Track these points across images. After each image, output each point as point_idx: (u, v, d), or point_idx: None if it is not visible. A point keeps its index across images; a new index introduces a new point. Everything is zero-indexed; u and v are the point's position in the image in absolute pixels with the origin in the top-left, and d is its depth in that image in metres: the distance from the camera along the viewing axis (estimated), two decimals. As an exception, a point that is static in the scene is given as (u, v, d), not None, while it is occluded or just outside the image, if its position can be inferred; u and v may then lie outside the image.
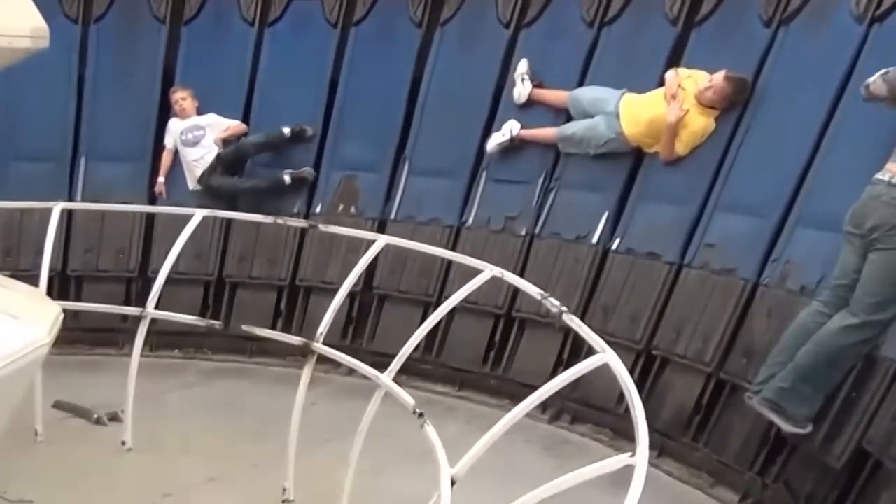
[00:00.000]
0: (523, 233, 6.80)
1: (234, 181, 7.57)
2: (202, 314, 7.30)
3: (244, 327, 5.51)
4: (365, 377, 6.48)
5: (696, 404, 5.85)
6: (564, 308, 4.27)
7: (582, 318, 6.17)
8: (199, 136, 7.63)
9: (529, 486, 3.24)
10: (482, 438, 3.68)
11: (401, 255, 7.01)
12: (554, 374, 6.31)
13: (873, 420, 4.83)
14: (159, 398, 6.42)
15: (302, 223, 6.65)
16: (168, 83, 7.87)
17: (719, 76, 6.14)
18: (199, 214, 5.76)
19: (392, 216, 7.18)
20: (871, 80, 4.97)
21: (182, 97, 7.70)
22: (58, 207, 5.87)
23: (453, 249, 6.74)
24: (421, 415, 4.25)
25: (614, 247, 6.42)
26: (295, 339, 5.43)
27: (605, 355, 3.72)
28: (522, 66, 6.98)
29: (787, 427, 5.03)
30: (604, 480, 5.51)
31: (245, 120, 7.76)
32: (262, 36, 7.85)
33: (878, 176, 4.81)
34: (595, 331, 6.00)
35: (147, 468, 5.49)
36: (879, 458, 4.78)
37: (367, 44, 7.62)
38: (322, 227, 5.86)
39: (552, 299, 4.36)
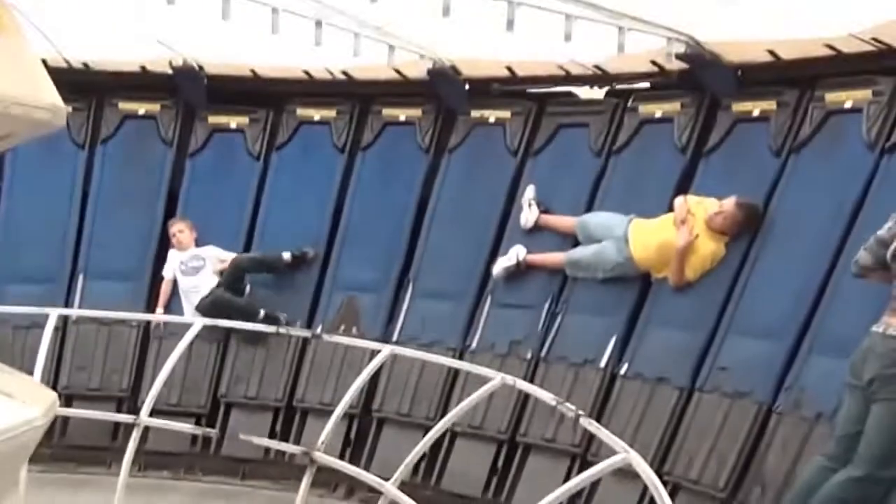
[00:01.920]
0: (529, 356, 6.65)
1: (230, 297, 7.45)
2: (195, 438, 7.13)
3: (241, 436, 5.30)
4: (363, 501, 6.37)
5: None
6: (581, 412, 4.12)
7: (588, 447, 6.15)
8: (199, 267, 7.56)
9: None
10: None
11: (402, 376, 6.90)
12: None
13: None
14: (149, 518, 6.17)
15: (305, 333, 6.50)
16: (172, 204, 7.86)
17: (730, 202, 6.13)
18: (198, 323, 5.64)
19: (394, 338, 7.01)
20: (858, 255, 4.90)
21: (179, 229, 7.64)
22: (54, 313, 5.75)
23: (456, 373, 6.60)
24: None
25: (623, 371, 6.26)
26: (295, 448, 5.25)
27: (628, 455, 3.57)
28: (530, 192, 6.97)
29: None
30: None
31: (246, 250, 7.68)
32: (268, 162, 7.87)
33: (874, 328, 4.67)
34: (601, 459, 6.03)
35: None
36: None
37: (374, 168, 7.63)
38: (326, 336, 5.73)
39: (567, 404, 4.21)
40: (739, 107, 6.44)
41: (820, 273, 5.69)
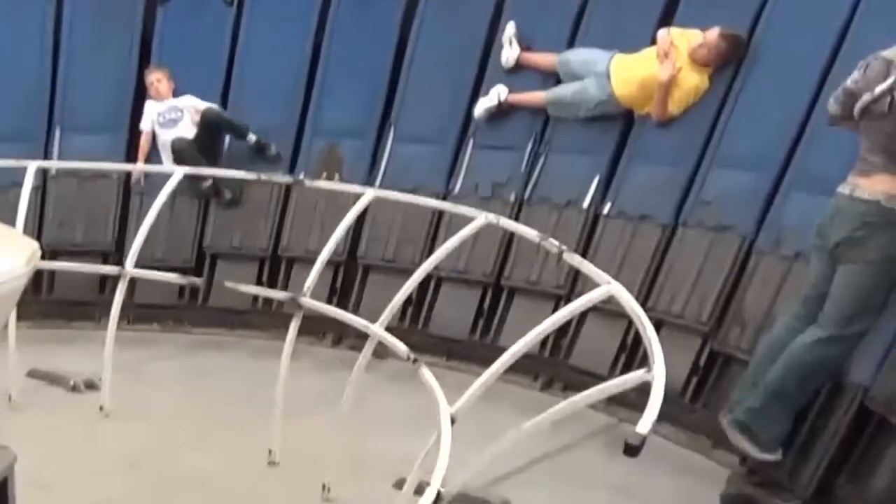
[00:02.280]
0: (512, 199, 6.63)
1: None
2: (182, 291, 7.15)
3: (227, 284, 5.29)
4: (351, 347, 6.43)
5: (693, 366, 5.69)
6: (564, 247, 4.11)
7: (573, 286, 6.19)
8: (177, 118, 7.39)
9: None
10: (480, 378, 3.52)
11: (385, 223, 6.89)
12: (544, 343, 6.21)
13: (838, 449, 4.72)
14: (138, 368, 6.23)
15: (287, 179, 6.43)
16: (146, 52, 7.66)
17: (713, 33, 6.01)
18: (179, 172, 5.58)
19: (377, 184, 6.93)
20: (828, 104, 4.79)
21: (157, 78, 7.46)
22: (32, 165, 5.68)
23: (440, 217, 6.59)
24: (415, 360, 4.08)
25: (606, 211, 6.26)
26: (281, 294, 5.26)
27: (611, 287, 3.57)
28: (510, 29, 6.82)
29: (755, 454, 4.79)
30: (599, 444, 5.52)
31: (224, 102, 7.53)
32: (242, 6, 7.62)
33: (840, 189, 4.59)
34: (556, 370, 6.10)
35: (127, 432, 5.27)
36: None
37: (351, 9, 7.42)
38: (308, 182, 5.66)
39: (551, 239, 4.20)
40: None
41: (803, 105, 5.61)
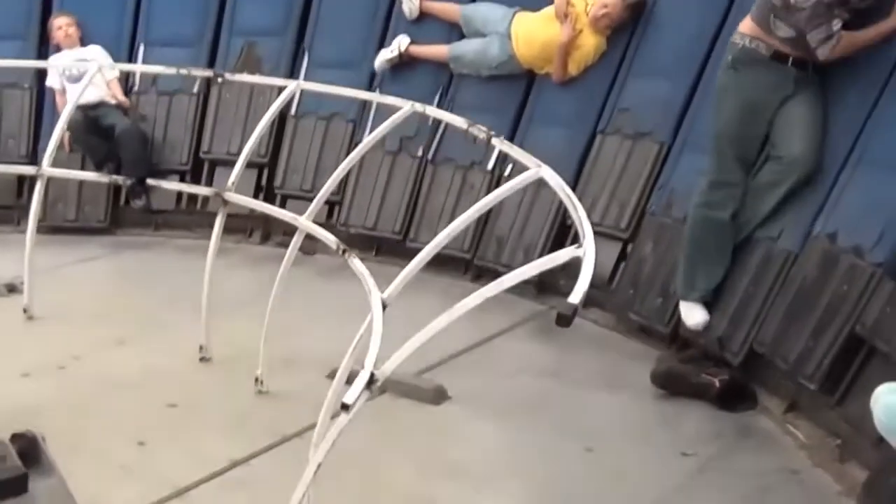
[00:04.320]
0: (419, 153, 6.48)
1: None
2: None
3: (149, 181, 5.12)
4: (279, 244, 6.36)
5: (612, 270, 5.80)
6: (492, 132, 4.06)
7: (477, 246, 6.12)
8: (83, 71, 6.41)
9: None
10: (410, 264, 3.47)
11: (308, 130, 6.77)
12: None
13: (767, 317, 4.75)
14: (61, 270, 6.07)
15: (207, 73, 6.21)
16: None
17: (616, 1, 5.85)
18: (94, 66, 5.37)
19: (293, 112, 6.81)
20: None
21: (67, 23, 6.96)
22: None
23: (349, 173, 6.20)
24: (345, 251, 4.02)
25: (507, 173, 6.08)
26: (205, 190, 5.13)
27: (540, 169, 3.53)
28: None
29: (685, 320, 5.00)
30: (529, 330, 5.55)
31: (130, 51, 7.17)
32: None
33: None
34: (489, 259, 6.03)
35: (53, 334, 5.15)
36: (771, 359, 4.72)
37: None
38: (229, 76, 5.46)
39: (479, 125, 4.14)
40: None
41: (697, 65, 5.54)
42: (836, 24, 4.55)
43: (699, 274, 4.99)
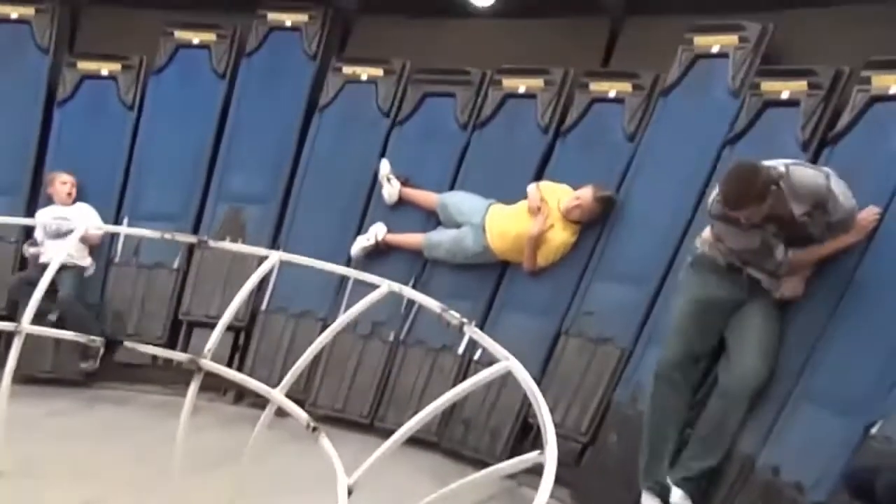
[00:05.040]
0: (391, 338, 6.57)
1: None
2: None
3: (127, 344, 5.19)
4: (252, 405, 6.38)
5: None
6: (465, 320, 4.17)
7: (443, 433, 6.15)
8: (61, 228, 6.68)
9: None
10: (379, 449, 3.54)
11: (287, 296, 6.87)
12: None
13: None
14: (34, 423, 6.00)
15: (191, 239, 6.34)
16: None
17: (587, 195, 6.07)
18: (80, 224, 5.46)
19: (264, 308, 6.94)
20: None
21: (72, 182, 7.11)
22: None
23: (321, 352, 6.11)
24: (315, 428, 4.08)
25: (477, 357, 6.18)
26: (181, 356, 5.18)
27: (509, 363, 3.63)
28: (385, 168, 6.81)
29: None
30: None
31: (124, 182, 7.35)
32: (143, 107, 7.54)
33: None
34: (456, 442, 6.07)
35: (20, 491, 5.08)
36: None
37: (256, 90, 7.41)
38: (212, 242, 5.59)
39: (452, 312, 4.25)
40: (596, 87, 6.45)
41: (665, 261, 5.73)
42: (780, 252, 4.79)
43: (652, 461, 5.03)
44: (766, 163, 4.76)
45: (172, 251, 7.09)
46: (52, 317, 6.70)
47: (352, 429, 6.32)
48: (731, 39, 5.94)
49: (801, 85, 5.48)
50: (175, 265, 7.13)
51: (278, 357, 6.72)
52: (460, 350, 6.30)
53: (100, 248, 7.17)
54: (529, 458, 2.95)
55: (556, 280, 6.20)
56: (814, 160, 5.25)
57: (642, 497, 5.06)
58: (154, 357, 6.87)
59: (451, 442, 6.17)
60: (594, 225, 6.15)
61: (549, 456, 2.84)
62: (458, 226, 6.49)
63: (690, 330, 5.04)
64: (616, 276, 5.94)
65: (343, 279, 6.64)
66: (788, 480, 4.59)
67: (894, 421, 4.16)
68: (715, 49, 6.01)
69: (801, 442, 4.64)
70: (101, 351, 6.43)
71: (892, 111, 5.06)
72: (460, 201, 6.55)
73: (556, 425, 3.31)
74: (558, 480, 5.38)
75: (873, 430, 4.27)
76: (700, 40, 6.07)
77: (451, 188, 6.72)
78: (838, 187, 4.74)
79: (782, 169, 4.74)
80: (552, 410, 5.05)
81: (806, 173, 4.76)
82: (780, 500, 4.58)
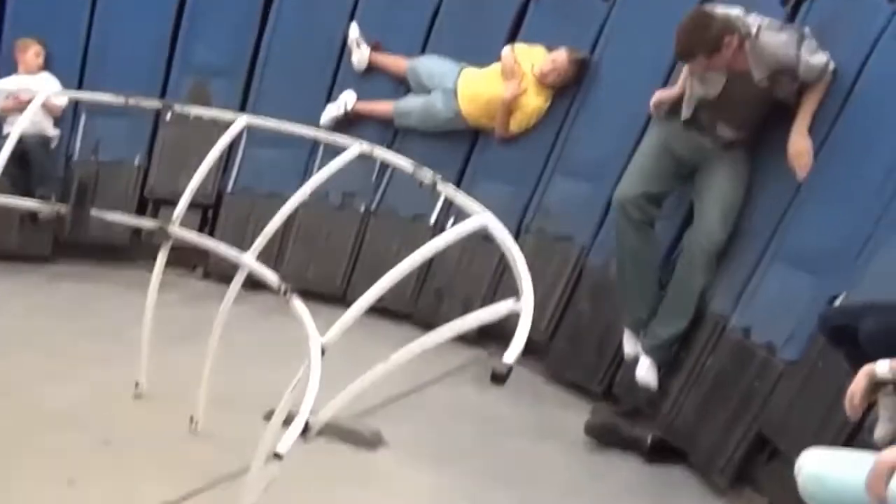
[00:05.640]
0: (362, 209, 6.43)
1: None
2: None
3: (93, 211, 5.00)
4: (221, 279, 6.26)
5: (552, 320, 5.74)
6: (438, 177, 4.05)
7: (417, 299, 6.09)
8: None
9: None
10: (350, 308, 3.45)
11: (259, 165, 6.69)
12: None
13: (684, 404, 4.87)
14: (-1, 301, 5.94)
15: (156, 104, 6.11)
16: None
17: (562, 58, 5.86)
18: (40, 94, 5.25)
19: (230, 189, 6.74)
20: None
21: (36, 52, 6.78)
22: None
23: (291, 224, 6.24)
24: (286, 291, 3.98)
25: (450, 225, 5.99)
26: (149, 223, 5.05)
27: (484, 216, 3.53)
28: (354, 32, 6.52)
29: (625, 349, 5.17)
30: (468, 377, 5.53)
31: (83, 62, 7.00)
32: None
33: None
34: (429, 313, 5.94)
35: (-14, 366, 5.03)
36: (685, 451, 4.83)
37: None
38: (178, 107, 5.38)
39: (425, 168, 4.13)
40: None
41: (640, 123, 5.55)
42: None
43: (630, 301, 5.12)
44: (742, 17, 4.65)
45: (134, 145, 6.87)
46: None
47: (324, 301, 6.14)
48: None
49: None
50: (136, 161, 6.89)
51: (247, 236, 6.45)
52: (433, 219, 6.19)
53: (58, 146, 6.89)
54: (504, 306, 2.87)
55: (529, 147, 6.05)
56: (793, 13, 5.10)
57: (624, 335, 5.14)
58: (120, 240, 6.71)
59: (425, 313, 6.08)
60: (568, 87, 5.97)
61: (525, 304, 2.76)
62: (428, 91, 6.30)
63: (646, 169, 5.06)
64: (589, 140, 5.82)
65: (311, 159, 6.47)
66: (759, 341, 4.64)
67: (858, 292, 4.15)
68: None
69: (772, 302, 4.67)
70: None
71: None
72: (431, 65, 6.34)
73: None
74: (530, 350, 5.52)
75: (837, 301, 4.29)
76: None
77: (423, 53, 6.49)
78: (808, 50, 4.67)
79: (753, 29, 4.64)
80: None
81: (775, 39, 4.68)
82: (752, 361, 4.63)
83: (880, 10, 4.74)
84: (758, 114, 4.90)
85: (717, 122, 4.88)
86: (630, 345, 5.10)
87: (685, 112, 4.95)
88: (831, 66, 4.72)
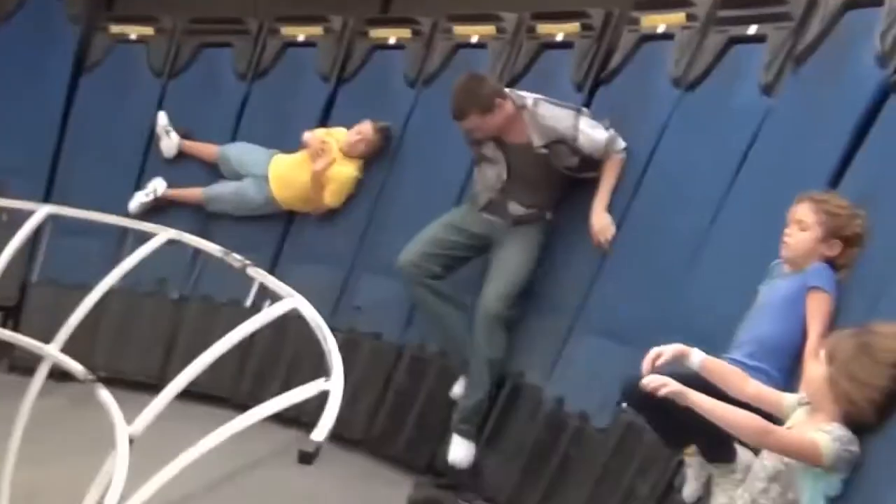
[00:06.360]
0: (177, 296, 6.32)
1: None
2: None
3: None
4: (26, 372, 5.99)
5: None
6: (248, 262, 4.03)
7: (235, 388, 5.96)
8: None
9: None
10: (160, 396, 3.37)
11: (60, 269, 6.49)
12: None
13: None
14: None
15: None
16: None
17: (367, 128, 5.97)
18: None
19: (34, 280, 6.56)
20: None
21: None
22: None
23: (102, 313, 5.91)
24: (93, 380, 3.85)
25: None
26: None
27: (294, 300, 3.53)
28: (162, 119, 6.50)
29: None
30: (287, 458, 5.41)
31: None
32: None
33: None
34: (247, 395, 5.83)
35: None
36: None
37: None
38: (-23, 200, 5.18)
39: (234, 254, 4.10)
40: (376, 34, 6.32)
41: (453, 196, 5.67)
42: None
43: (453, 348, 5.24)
44: (517, 91, 4.97)
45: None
46: None
47: (138, 390, 5.97)
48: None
49: (574, 27, 5.52)
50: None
51: (55, 327, 6.27)
52: (248, 302, 6.08)
53: None
54: (315, 385, 2.86)
55: (344, 226, 6.08)
56: (588, 100, 5.35)
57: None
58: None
59: (243, 396, 5.93)
60: (378, 157, 6.06)
61: (335, 383, 2.76)
62: (240, 178, 6.27)
63: (429, 235, 5.22)
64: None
65: (121, 248, 6.20)
66: (572, 410, 4.75)
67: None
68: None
69: (583, 372, 4.80)
70: None
71: (660, 50, 5.16)
72: (241, 152, 6.31)
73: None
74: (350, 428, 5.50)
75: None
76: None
77: (233, 140, 6.47)
78: (587, 124, 4.97)
79: (529, 101, 4.95)
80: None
81: (553, 110, 4.98)
82: (566, 430, 4.75)
83: (669, 95, 5.03)
84: (546, 188, 5.15)
85: (507, 201, 5.12)
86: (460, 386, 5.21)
87: (481, 200, 5.19)
88: (620, 143, 5.01)
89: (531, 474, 4.82)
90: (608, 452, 4.48)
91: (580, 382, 4.79)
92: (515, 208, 5.11)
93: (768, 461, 3.15)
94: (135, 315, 6.31)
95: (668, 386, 3.00)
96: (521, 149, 5.00)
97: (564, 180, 5.14)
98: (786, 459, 3.06)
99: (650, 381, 3.05)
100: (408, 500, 4.92)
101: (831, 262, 3.68)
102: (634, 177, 5.01)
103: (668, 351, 3.23)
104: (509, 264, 5.05)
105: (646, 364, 3.24)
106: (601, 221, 4.97)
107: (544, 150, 4.97)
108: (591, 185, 5.08)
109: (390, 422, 5.56)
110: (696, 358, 3.24)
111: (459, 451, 5.02)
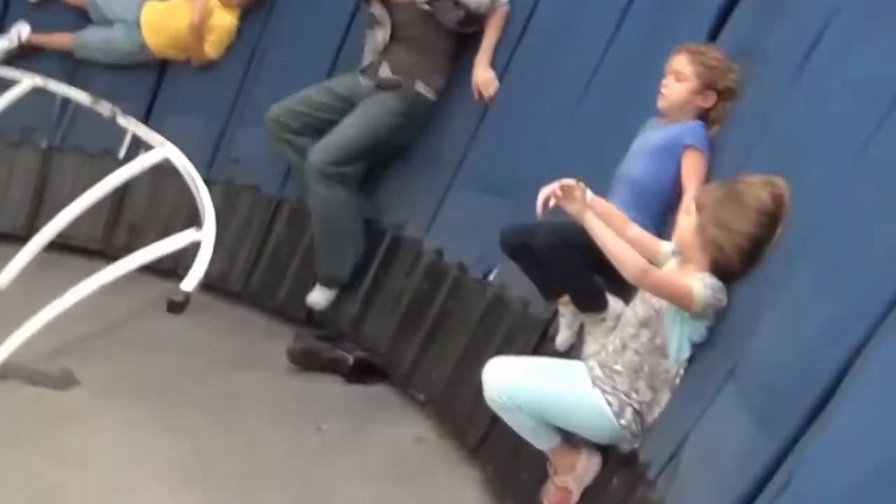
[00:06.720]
0: (44, 145, 5.97)
1: None
2: None
3: None
4: None
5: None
6: (116, 109, 3.88)
7: (109, 239, 5.75)
8: None
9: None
10: (26, 247, 3.27)
11: None
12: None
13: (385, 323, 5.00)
14: None
15: None
16: None
17: None
18: None
19: None
20: None
21: None
22: None
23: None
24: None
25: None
26: None
27: (165, 149, 3.43)
28: None
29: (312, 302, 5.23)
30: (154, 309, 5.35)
31: None
32: None
33: None
34: (121, 247, 5.52)
35: None
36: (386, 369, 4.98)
37: None
38: None
39: (103, 101, 3.94)
40: None
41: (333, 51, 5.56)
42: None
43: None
44: None
45: None
46: None
47: (6, 242, 5.83)
48: None
49: None
50: None
51: None
52: (122, 153, 5.74)
53: None
54: (186, 235, 2.80)
55: (221, 77, 5.86)
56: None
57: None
58: None
59: (118, 249, 5.73)
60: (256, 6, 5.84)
61: (206, 233, 2.71)
62: (110, 24, 5.94)
63: (300, 95, 5.17)
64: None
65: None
66: (451, 261, 4.78)
67: (508, 270, 4.30)
68: None
69: (463, 225, 4.81)
70: None
71: None
72: None
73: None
74: (230, 280, 5.46)
75: (490, 277, 4.54)
76: None
77: None
78: None
79: None
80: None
81: None
82: (445, 280, 4.78)
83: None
84: (431, 51, 5.04)
85: (381, 62, 5.05)
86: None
87: (364, 62, 5.12)
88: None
89: (410, 325, 4.86)
90: (485, 304, 4.53)
91: (460, 235, 4.80)
92: (384, 71, 5.04)
93: (640, 308, 3.25)
94: (0, 166, 6.02)
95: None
96: (405, 6, 4.90)
97: (451, 42, 5.04)
98: (656, 306, 3.16)
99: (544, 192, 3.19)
100: (287, 352, 4.93)
101: (705, 117, 3.74)
102: (517, 30, 4.96)
103: (557, 183, 3.28)
104: (346, 124, 5.01)
105: (539, 204, 3.30)
106: (484, 76, 4.92)
107: (427, 7, 4.86)
108: (473, 39, 5.00)
109: (270, 274, 5.52)
110: (587, 194, 3.29)
111: (319, 295, 5.12)
